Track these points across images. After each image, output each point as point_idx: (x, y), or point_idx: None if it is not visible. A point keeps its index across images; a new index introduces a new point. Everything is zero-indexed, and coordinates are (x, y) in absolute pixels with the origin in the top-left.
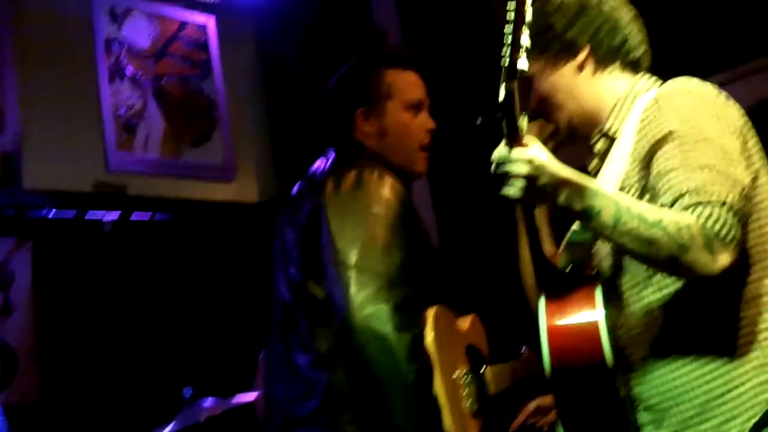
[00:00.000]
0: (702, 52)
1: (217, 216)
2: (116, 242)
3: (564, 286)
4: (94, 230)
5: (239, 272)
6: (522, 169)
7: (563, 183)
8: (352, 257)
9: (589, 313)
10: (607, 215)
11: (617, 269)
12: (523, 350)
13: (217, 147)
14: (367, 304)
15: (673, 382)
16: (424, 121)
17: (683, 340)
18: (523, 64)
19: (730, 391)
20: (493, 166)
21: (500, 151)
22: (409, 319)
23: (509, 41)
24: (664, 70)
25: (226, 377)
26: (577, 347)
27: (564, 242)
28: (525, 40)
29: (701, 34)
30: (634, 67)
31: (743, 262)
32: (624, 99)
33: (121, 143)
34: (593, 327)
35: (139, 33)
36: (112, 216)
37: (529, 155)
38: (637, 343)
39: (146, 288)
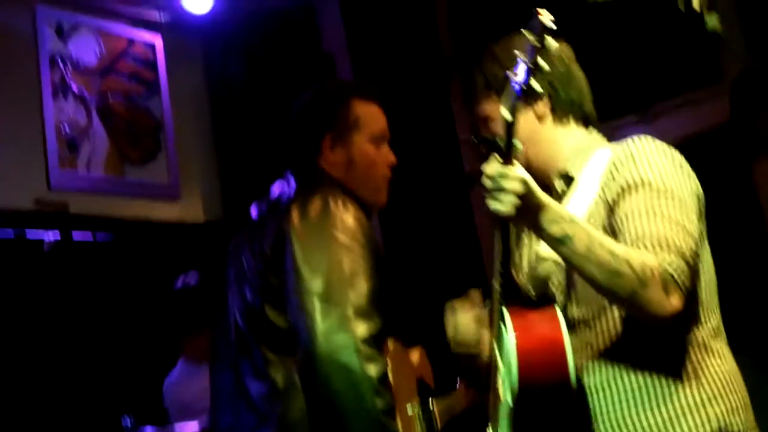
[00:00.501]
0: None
1: (161, 236)
2: (57, 262)
3: (527, 307)
4: (33, 250)
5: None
6: (516, 186)
7: (546, 206)
8: (318, 286)
9: (555, 335)
10: (580, 243)
11: (570, 299)
12: (458, 383)
13: (162, 166)
14: (333, 334)
15: (616, 413)
16: (386, 155)
17: (629, 373)
18: (536, 85)
19: (672, 424)
20: (486, 180)
21: (494, 167)
22: (375, 351)
23: (528, 62)
24: None
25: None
26: (543, 367)
27: (526, 264)
28: (543, 63)
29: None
30: (585, 121)
31: (690, 310)
32: (582, 148)
33: (64, 161)
34: (560, 348)
35: (86, 49)
36: (53, 235)
37: (523, 174)
38: (585, 372)
39: (87, 310)
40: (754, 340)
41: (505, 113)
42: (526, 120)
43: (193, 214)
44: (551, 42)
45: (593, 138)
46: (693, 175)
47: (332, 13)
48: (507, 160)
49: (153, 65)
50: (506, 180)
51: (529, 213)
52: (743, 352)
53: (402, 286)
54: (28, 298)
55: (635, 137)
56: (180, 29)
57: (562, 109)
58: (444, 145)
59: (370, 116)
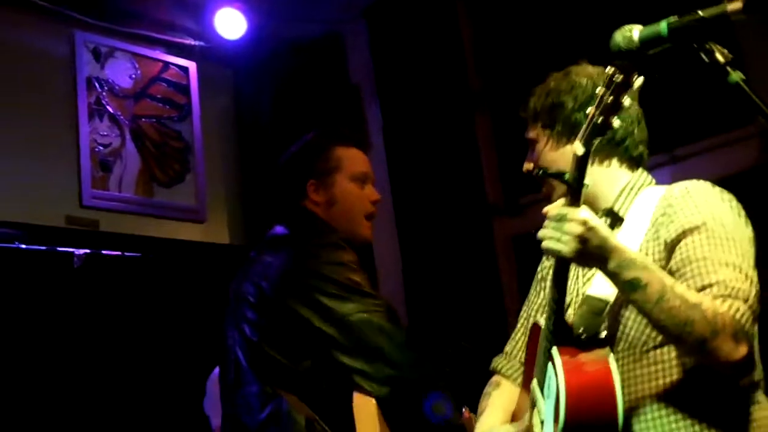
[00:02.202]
0: None
1: (188, 255)
2: (86, 277)
3: (577, 346)
4: (63, 264)
5: (209, 312)
6: (576, 229)
7: (614, 250)
8: (332, 289)
9: (605, 377)
10: (653, 289)
11: (617, 341)
12: (463, 411)
13: (190, 189)
14: (354, 312)
15: None
16: (369, 193)
17: (676, 418)
18: (617, 123)
19: None
20: (547, 221)
21: (556, 208)
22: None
23: (607, 100)
24: None
25: (192, 421)
26: (592, 409)
27: (577, 303)
28: (626, 101)
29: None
30: (631, 163)
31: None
32: (629, 189)
33: (97, 180)
34: (609, 390)
35: (121, 73)
36: (83, 251)
37: (585, 216)
38: (631, 412)
39: (114, 325)
40: None
41: (578, 147)
42: (565, 155)
43: (218, 237)
44: (637, 81)
45: (642, 179)
46: (748, 220)
47: (360, 45)
48: (575, 196)
49: (185, 89)
50: (566, 222)
51: (593, 256)
52: None
53: (422, 317)
54: (56, 312)
55: (692, 181)
56: (212, 56)
57: (605, 148)
58: (468, 175)
59: (350, 158)
